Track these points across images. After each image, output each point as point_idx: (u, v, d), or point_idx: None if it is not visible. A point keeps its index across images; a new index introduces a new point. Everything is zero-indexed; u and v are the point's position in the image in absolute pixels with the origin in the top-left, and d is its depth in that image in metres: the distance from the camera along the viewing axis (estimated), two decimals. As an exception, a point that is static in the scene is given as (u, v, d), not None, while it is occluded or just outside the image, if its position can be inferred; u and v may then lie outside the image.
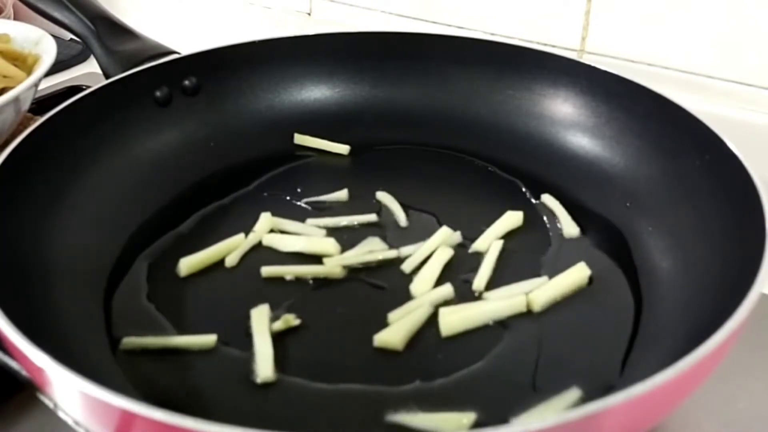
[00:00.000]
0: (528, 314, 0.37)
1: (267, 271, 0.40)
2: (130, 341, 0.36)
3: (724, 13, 0.50)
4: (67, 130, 0.43)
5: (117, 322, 0.37)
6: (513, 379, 0.34)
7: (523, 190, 0.47)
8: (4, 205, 0.37)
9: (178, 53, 0.52)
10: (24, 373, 0.32)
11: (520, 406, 0.32)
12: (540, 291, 0.38)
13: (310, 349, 0.36)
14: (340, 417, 0.32)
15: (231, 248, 0.42)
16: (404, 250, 0.42)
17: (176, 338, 0.36)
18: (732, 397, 0.36)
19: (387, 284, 0.40)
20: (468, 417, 0.31)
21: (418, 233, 0.43)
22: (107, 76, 0.51)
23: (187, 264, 0.40)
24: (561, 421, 0.23)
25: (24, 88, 0.50)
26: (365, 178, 0.49)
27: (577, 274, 0.39)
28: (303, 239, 0.42)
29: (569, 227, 0.43)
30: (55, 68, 0.67)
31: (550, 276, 0.39)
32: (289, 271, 0.40)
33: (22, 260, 0.36)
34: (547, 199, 0.46)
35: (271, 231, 0.43)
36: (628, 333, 0.36)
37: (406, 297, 0.39)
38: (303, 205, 0.46)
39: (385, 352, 0.35)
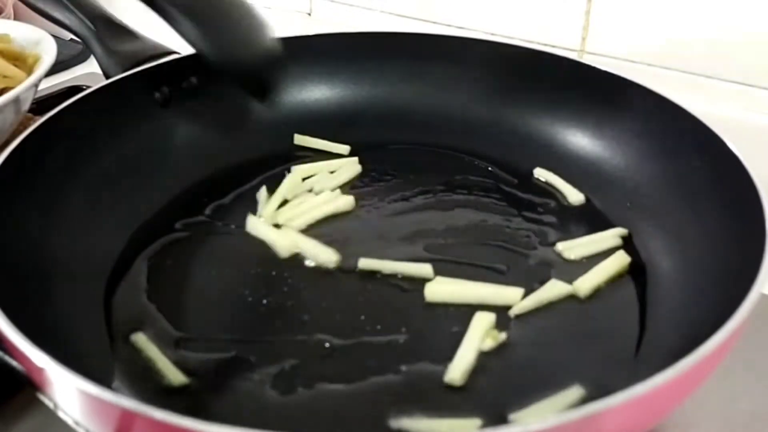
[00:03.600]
0: (528, 314, 0.37)
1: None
2: (137, 338, 0.36)
3: (723, 13, 0.50)
4: (67, 130, 0.43)
5: (117, 322, 0.37)
6: (513, 379, 0.34)
7: (524, 189, 0.47)
8: (4, 205, 0.37)
9: (178, 53, 0.52)
10: (24, 372, 0.32)
11: (520, 406, 0.32)
12: (585, 279, 0.39)
13: (310, 348, 0.36)
14: (340, 419, 0.32)
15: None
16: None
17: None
18: (732, 397, 0.36)
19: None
20: (473, 423, 0.31)
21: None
22: (107, 76, 0.51)
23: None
24: (561, 421, 0.23)
25: (24, 88, 0.50)
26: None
27: (618, 260, 0.40)
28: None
29: (573, 195, 0.46)
30: (55, 68, 0.67)
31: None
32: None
33: (22, 260, 0.36)
34: (541, 172, 0.48)
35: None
36: (629, 333, 0.36)
37: (412, 298, 0.39)
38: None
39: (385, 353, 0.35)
